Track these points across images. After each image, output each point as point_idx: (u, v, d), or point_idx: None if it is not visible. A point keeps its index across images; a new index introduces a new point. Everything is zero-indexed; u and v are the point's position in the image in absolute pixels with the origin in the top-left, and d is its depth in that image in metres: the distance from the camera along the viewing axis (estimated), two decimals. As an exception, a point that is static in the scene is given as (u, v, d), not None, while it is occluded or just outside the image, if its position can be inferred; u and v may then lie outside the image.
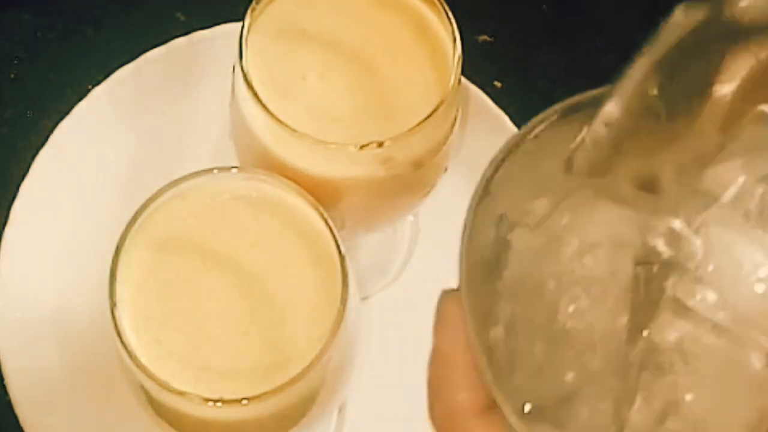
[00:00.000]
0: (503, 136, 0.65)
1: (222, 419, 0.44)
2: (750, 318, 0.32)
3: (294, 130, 0.46)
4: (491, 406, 0.31)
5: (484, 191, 0.32)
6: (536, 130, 0.33)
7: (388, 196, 0.51)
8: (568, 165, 0.33)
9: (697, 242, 0.33)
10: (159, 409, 0.46)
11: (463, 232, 0.32)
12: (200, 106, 0.63)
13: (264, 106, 0.46)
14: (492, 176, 0.33)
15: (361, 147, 0.46)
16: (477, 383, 0.31)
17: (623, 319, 0.32)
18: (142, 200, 0.45)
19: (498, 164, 0.33)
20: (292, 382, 0.42)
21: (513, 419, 0.30)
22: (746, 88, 0.31)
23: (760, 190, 0.33)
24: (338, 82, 0.48)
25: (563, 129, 0.33)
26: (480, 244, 0.32)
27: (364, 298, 0.60)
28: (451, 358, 0.32)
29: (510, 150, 0.33)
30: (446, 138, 0.50)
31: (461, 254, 0.31)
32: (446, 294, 0.32)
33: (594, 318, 0.33)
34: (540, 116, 0.33)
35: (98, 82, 0.62)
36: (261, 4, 0.49)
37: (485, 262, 0.32)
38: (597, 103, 0.32)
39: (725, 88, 0.31)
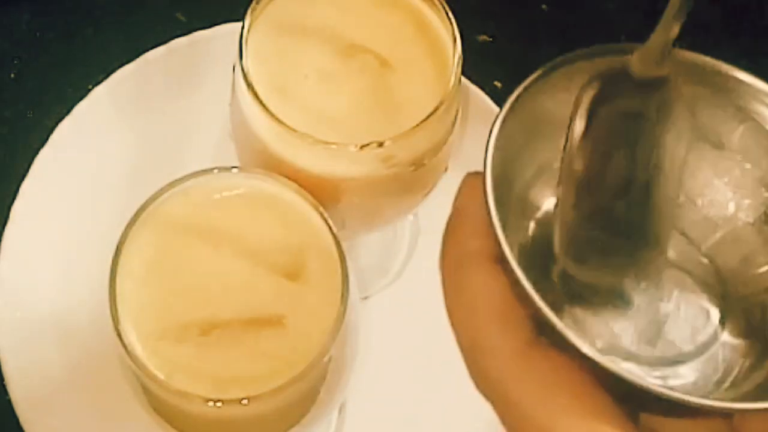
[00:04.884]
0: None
1: (222, 419, 0.43)
2: None
3: (294, 130, 0.46)
4: (499, 259, 0.33)
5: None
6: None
7: (389, 196, 0.51)
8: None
9: None
10: (159, 409, 0.46)
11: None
12: (200, 106, 0.63)
13: (264, 106, 0.46)
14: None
15: (362, 147, 0.46)
16: (488, 235, 0.33)
17: None
18: (142, 200, 0.45)
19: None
20: (293, 381, 0.42)
21: (519, 272, 0.32)
22: None
23: None
24: (338, 81, 0.48)
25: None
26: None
27: (365, 298, 0.60)
28: (467, 211, 0.34)
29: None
30: (446, 138, 0.50)
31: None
32: (469, 174, 0.35)
33: None
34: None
35: (98, 82, 0.62)
36: (261, 5, 0.49)
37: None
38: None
39: None
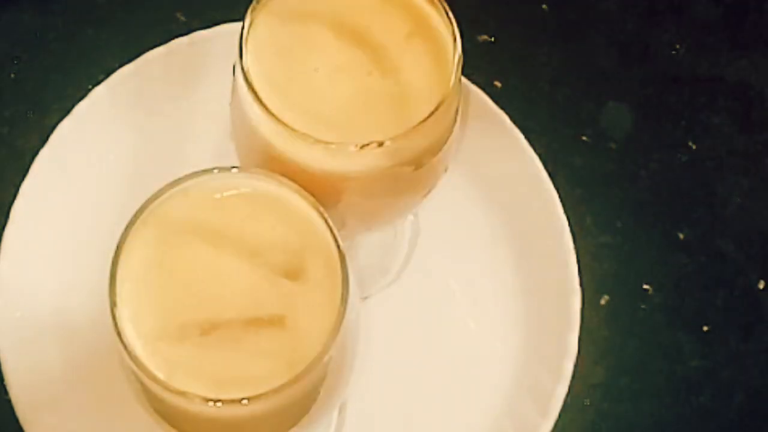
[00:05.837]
0: (503, 137, 0.66)
1: (222, 419, 0.43)
2: None
3: (294, 130, 0.46)
4: None
5: None
6: None
7: (389, 196, 0.51)
8: None
9: None
10: (159, 409, 0.46)
11: None
12: (200, 105, 0.63)
13: (264, 106, 0.46)
14: None
15: (361, 147, 0.46)
16: None
17: None
18: (142, 200, 0.45)
19: None
20: (293, 381, 0.42)
21: None
22: None
23: None
24: (338, 81, 0.48)
25: None
26: None
27: (365, 298, 0.60)
28: None
29: None
30: (446, 138, 0.50)
31: None
32: None
33: None
34: None
35: (98, 82, 0.62)
36: (261, 3, 0.49)
37: None
38: None
39: None
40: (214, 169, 0.46)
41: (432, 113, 0.47)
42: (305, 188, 0.46)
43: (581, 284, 0.59)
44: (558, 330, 0.58)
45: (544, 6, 0.69)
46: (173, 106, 0.63)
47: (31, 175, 0.60)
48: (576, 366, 0.58)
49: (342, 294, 0.44)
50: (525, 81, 0.67)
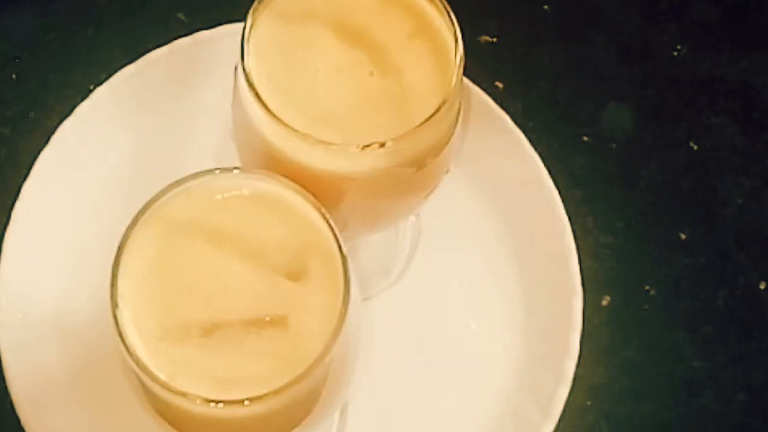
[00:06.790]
0: (505, 137, 0.66)
1: (224, 420, 0.43)
2: None
3: (295, 130, 0.46)
4: None
5: None
6: None
7: (390, 197, 0.51)
8: None
9: None
10: (160, 410, 0.46)
11: None
12: (202, 106, 0.63)
13: (266, 106, 0.46)
14: None
15: (363, 147, 0.46)
16: None
17: None
18: (144, 200, 0.45)
19: None
20: (294, 382, 0.42)
21: None
22: None
23: None
24: (340, 82, 0.48)
25: None
26: None
27: (366, 299, 0.60)
28: None
29: None
30: (448, 138, 0.50)
31: None
32: None
33: None
34: None
35: (100, 83, 0.62)
36: (263, 4, 0.49)
37: None
38: None
39: None
40: (215, 169, 0.46)
41: (433, 114, 0.47)
42: (307, 189, 0.46)
43: (582, 285, 0.59)
44: (559, 331, 0.58)
45: (545, 6, 0.69)
46: (175, 107, 0.63)
47: (33, 175, 0.60)
48: (577, 367, 0.58)
49: (344, 295, 0.44)
50: (526, 81, 0.67)
